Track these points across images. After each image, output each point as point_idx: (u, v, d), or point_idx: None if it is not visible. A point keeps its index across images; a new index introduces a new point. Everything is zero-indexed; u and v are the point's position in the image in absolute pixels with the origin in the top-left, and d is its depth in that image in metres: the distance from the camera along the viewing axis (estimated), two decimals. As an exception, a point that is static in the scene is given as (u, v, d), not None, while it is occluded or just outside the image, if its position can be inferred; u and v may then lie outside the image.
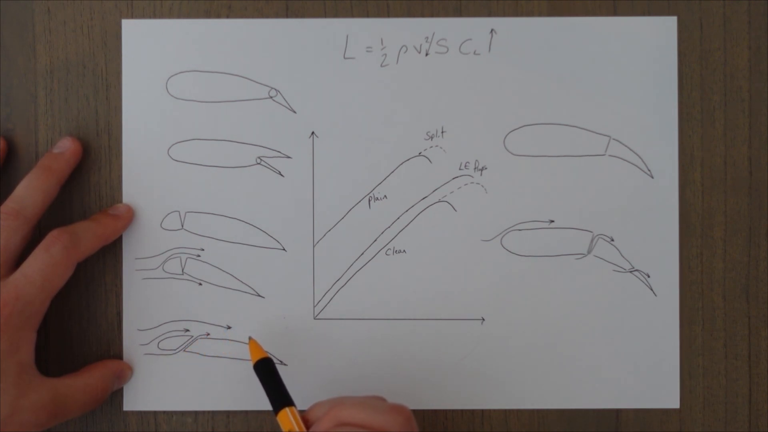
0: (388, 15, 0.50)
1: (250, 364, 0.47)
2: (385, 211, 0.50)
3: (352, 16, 0.50)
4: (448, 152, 0.50)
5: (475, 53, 0.50)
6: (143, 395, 0.49)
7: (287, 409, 0.45)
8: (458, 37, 0.50)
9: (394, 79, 0.50)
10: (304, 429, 0.44)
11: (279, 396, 0.46)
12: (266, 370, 0.46)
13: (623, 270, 0.50)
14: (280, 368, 0.47)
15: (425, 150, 0.50)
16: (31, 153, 0.50)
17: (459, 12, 0.50)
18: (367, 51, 0.50)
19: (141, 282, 0.49)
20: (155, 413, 0.49)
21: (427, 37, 0.50)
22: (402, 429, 0.42)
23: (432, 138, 0.50)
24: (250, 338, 0.48)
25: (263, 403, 0.49)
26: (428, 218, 0.50)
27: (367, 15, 0.50)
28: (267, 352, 0.47)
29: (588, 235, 0.50)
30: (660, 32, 0.50)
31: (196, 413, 0.49)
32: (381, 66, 0.50)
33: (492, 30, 0.50)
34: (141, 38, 0.50)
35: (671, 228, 0.50)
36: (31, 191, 0.46)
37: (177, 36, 0.50)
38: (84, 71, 0.50)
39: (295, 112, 0.50)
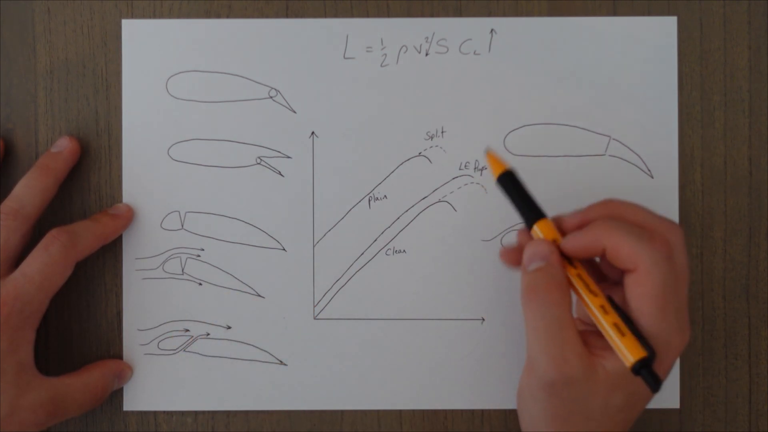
0: (388, 15, 0.50)
1: (251, 364, 0.47)
2: (385, 211, 0.50)
3: (352, 16, 0.50)
4: (448, 152, 0.50)
5: (475, 53, 0.50)
6: (143, 395, 0.49)
7: (544, 221, 0.43)
8: (458, 37, 0.50)
9: (394, 79, 0.50)
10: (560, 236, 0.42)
11: (529, 209, 0.43)
12: (511, 183, 0.43)
13: (623, 270, 0.50)
14: (279, 368, 0.47)
15: (425, 150, 0.50)
16: (31, 153, 0.50)
17: (459, 12, 0.50)
18: (367, 51, 0.50)
19: (141, 282, 0.49)
20: (155, 413, 0.49)
21: (427, 37, 0.50)
22: (677, 243, 0.41)
23: (432, 138, 0.50)
24: (488, 150, 0.44)
25: (263, 403, 0.49)
26: (428, 218, 0.50)
27: (367, 15, 0.50)
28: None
29: (588, 235, 0.50)
30: (660, 32, 0.50)
31: (196, 413, 0.49)
32: (381, 66, 0.50)
33: (492, 30, 0.50)
34: (141, 38, 0.50)
35: (671, 228, 0.50)
36: (29, 190, 0.46)
37: (177, 36, 0.50)
38: (84, 71, 0.50)
39: (295, 112, 0.50)
